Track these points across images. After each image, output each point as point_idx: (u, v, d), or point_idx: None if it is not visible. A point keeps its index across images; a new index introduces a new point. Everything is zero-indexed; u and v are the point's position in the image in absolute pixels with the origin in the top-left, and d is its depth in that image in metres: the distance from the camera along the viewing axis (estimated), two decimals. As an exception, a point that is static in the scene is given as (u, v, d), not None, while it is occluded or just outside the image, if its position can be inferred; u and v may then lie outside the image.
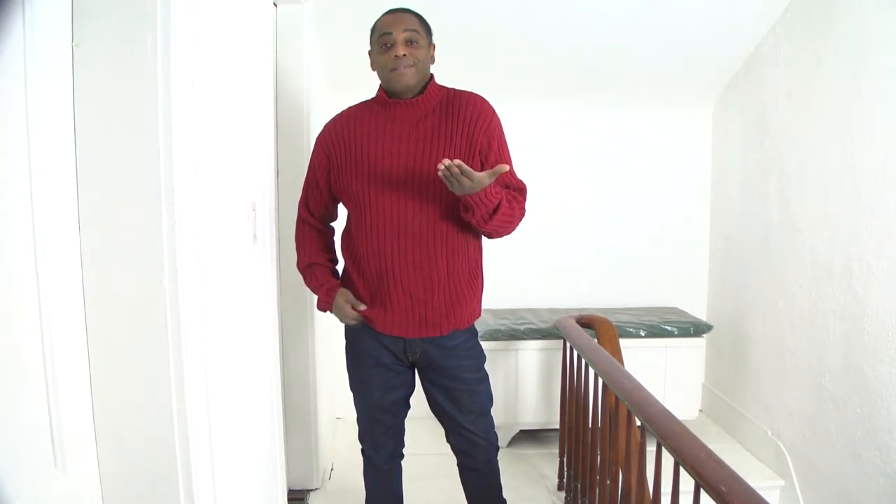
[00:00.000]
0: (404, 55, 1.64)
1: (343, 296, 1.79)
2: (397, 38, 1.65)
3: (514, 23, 2.79)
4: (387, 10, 1.72)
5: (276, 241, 1.89)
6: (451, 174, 1.50)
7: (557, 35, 2.86)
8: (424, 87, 1.72)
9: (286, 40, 2.36)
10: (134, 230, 1.08)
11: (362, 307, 1.77)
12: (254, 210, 1.59)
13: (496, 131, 1.73)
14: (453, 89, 1.76)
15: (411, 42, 1.66)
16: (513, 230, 1.75)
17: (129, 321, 1.09)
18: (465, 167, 1.49)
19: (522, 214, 1.75)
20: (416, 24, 1.68)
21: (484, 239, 1.83)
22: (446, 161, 1.48)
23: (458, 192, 1.56)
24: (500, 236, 1.74)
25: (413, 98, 1.71)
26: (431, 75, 1.75)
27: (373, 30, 1.72)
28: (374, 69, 1.74)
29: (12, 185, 0.93)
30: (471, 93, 1.76)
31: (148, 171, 1.06)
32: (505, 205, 1.65)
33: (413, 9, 1.73)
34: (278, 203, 2.07)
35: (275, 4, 2.30)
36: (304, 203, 1.88)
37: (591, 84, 3.22)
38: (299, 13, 2.38)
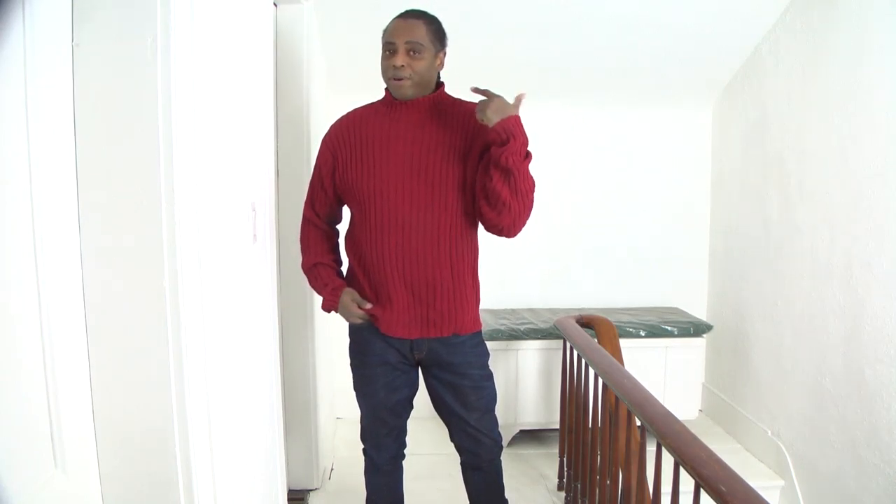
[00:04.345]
0: (402, 66, 1.65)
1: (349, 294, 1.79)
2: (398, 48, 1.65)
3: (514, 23, 2.79)
4: (402, 11, 1.71)
5: (276, 242, 1.89)
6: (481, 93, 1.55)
7: (557, 36, 2.86)
8: (433, 91, 1.72)
9: (286, 40, 2.36)
10: (134, 230, 1.08)
11: (368, 306, 1.77)
12: (254, 210, 1.59)
13: None
14: (459, 100, 1.77)
15: (412, 52, 1.66)
16: (527, 217, 1.68)
17: (129, 321, 1.09)
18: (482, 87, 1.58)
19: (532, 201, 1.68)
20: (421, 35, 1.66)
21: (481, 242, 1.83)
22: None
23: (490, 119, 1.55)
24: (519, 221, 1.67)
25: (418, 99, 1.71)
26: (442, 83, 1.76)
27: (384, 31, 1.71)
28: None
29: (12, 185, 0.93)
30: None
31: (148, 171, 1.06)
32: (529, 161, 1.61)
33: (423, 11, 1.71)
34: (278, 203, 2.07)
35: (275, 4, 2.30)
36: (310, 204, 1.88)
37: (591, 84, 3.22)
38: (299, 13, 2.38)
